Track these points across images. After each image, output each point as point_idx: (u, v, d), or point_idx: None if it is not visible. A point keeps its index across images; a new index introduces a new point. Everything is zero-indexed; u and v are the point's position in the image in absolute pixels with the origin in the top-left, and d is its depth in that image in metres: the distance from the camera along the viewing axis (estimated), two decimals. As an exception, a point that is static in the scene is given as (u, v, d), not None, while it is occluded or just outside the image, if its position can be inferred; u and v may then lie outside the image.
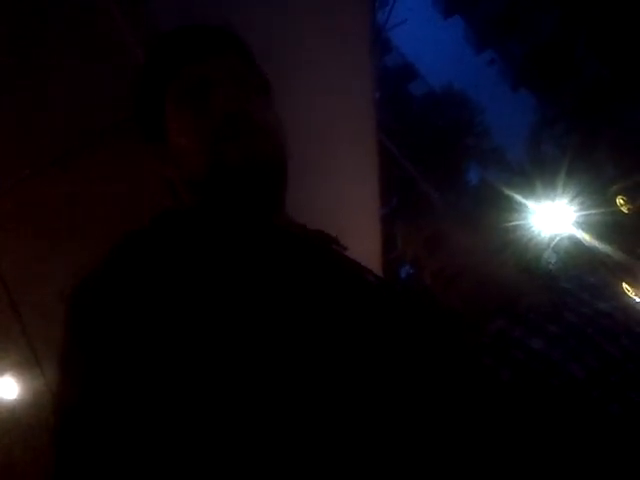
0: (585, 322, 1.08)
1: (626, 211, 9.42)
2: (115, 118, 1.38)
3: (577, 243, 7.25)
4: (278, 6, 1.49)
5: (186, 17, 1.03)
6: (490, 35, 15.71)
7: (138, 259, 0.63)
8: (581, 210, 7.85)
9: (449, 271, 1.15)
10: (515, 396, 0.91)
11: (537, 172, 8.21)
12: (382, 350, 0.60)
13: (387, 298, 0.73)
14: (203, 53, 0.79)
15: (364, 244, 2.11)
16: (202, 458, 0.48)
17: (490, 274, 1.17)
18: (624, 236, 9.24)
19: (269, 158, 0.76)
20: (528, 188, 6.81)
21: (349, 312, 0.62)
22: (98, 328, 0.57)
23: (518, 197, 1.46)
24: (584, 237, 7.48)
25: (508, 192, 1.43)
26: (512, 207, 1.33)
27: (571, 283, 1.20)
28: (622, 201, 9.39)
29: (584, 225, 7.92)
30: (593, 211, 8.27)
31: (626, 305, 1.17)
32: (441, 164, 12.29)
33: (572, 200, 7.72)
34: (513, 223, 1.24)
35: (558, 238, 6.84)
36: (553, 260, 1.34)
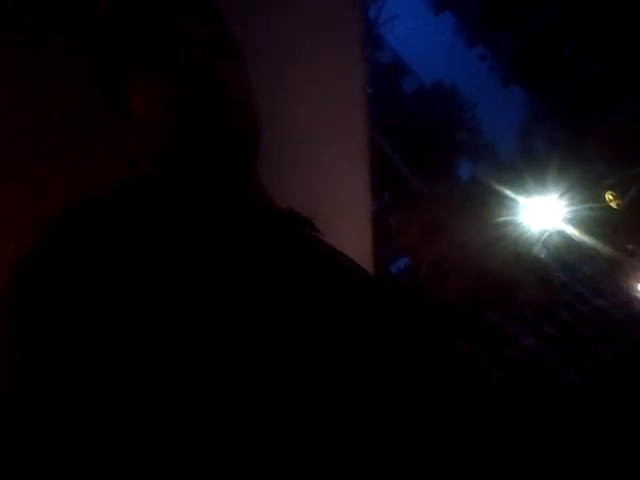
0: (581, 321, 1.07)
1: (615, 207, 9.47)
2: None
3: (567, 238, 7.29)
4: (270, 2, 1.48)
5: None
6: (481, 31, 15.70)
7: (90, 225, 0.58)
8: (571, 205, 7.89)
9: (444, 265, 1.16)
10: (509, 398, 0.88)
11: (527, 168, 8.25)
12: (364, 339, 0.56)
13: (369, 286, 0.69)
14: (170, 14, 0.72)
15: (355, 241, 2.11)
16: (190, 449, 0.46)
17: (484, 268, 1.16)
18: (613, 231, 9.30)
19: (244, 131, 0.72)
20: (518, 183, 6.83)
21: (314, 291, 0.58)
22: (48, 297, 0.52)
23: (509, 192, 1.46)
24: (574, 232, 7.52)
25: (499, 187, 1.44)
26: (502, 202, 1.34)
27: (566, 274, 1.20)
28: (611, 197, 9.44)
29: (574, 220, 7.95)
30: (583, 206, 8.31)
31: (623, 302, 1.15)
32: (432, 160, 12.30)
33: (562, 195, 7.76)
34: (504, 218, 1.24)
35: (548, 233, 6.87)
36: (543, 255, 1.34)
